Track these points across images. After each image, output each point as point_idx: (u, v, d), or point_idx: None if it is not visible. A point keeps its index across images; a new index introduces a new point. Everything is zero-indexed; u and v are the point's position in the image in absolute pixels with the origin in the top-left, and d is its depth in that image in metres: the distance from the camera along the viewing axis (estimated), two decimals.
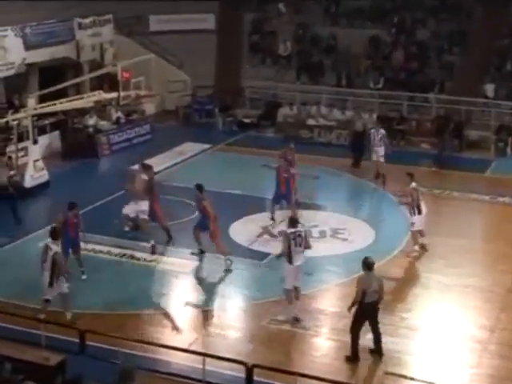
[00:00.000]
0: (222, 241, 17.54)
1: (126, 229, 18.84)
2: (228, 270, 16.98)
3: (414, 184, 17.90)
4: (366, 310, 13.26)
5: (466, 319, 14.96)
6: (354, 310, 13.36)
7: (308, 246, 14.92)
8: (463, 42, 30.82)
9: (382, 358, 13.37)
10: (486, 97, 28.66)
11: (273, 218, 19.80)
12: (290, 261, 14.56)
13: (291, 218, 15.23)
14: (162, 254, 17.88)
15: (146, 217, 18.31)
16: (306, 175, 19.58)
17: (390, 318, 14.77)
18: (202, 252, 17.61)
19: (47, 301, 14.35)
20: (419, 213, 17.80)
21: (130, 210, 18.75)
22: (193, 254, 17.64)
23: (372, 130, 23.77)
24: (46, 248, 14.32)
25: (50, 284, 14.19)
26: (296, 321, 14.61)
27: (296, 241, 14.59)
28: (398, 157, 24.52)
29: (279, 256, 15.04)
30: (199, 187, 17.26)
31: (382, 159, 23.18)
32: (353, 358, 13.31)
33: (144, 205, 18.30)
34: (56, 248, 14.27)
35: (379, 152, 23.10)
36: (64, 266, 14.41)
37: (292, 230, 14.73)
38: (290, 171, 19.64)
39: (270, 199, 20.02)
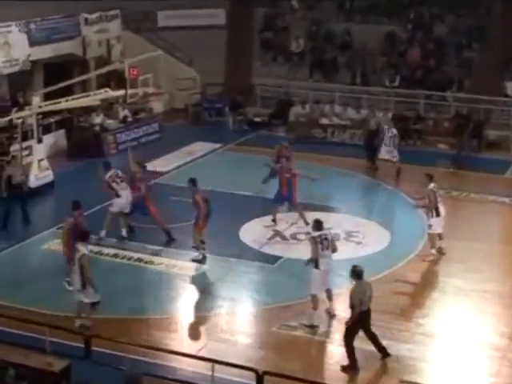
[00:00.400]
0: (232, 243, 17.55)
1: (123, 234, 18.82)
2: (195, 261, 17.40)
3: (432, 185, 17.86)
4: (363, 319, 13.21)
5: (485, 325, 14.89)
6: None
7: (335, 249, 14.88)
8: (482, 39, 30.72)
9: (392, 359, 13.35)
10: (506, 95, 28.59)
11: (274, 220, 19.79)
12: (317, 265, 14.51)
13: (316, 221, 15.00)
14: (165, 255, 17.90)
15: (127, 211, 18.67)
16: (305, 176, 19.50)
17: (405, 324, 14.77)
18: (202, 242, 17.66)
19: (93, 304, 14.24)
20: (437, 215, 17.75)
21: (116, 207, 18.81)
22: (193, 247, 17.80)
23: (385, 127, 23.97)
24: (75, 250, 14.26)
25: (83, 287, 14.08)
26: (312, 327, 14.58)
27: (323, 244, 14.56)
28: (415, 157, 24.54)
29: (309, 262, 14.73)
30: (192, 181, 17.61)
31: (395, 159, 23.36)
32: (354, 368, 13.20)
33: (125, 196, 18.57)
34: (84, 250, 14.20)
35: (390, 152, 23.33)
36: (89, 270, 14.17)
37: (318, 232, 14.69)
38: (293, 171, 19.57)
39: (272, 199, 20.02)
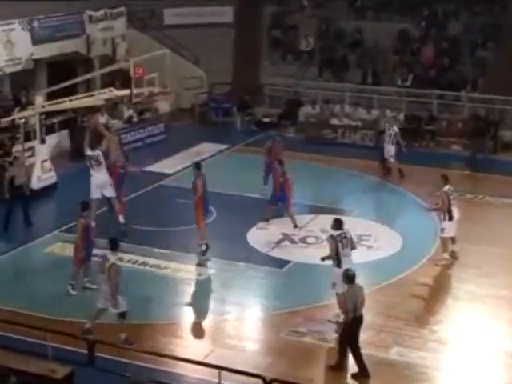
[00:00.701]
0: (239, 246, 17.53)
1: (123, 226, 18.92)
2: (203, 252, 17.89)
3: (447, 187, 17.79)
4: (357, 324, 13.15)
5: (500, 332, 14.83)
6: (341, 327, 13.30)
7: (354, 247, 15.10)
8: (497, 37, 30.66)
9: (404, 367, 13.30)
10: None
11: (267, 220, 19.90)
12: (339, 264, 14.65)
13: (336, 220, 15.23)
14: (171, 259, 17.91)
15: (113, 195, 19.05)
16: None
17: (418, 330, 14.72)
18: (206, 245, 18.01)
19: (122, 314, 14.15)
20: (450, 218, 17.69)
21: (96, 192, 19.06)
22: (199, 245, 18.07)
23: (386, 125, 23.95)
24: (104, 259, 14.17)
25: (113, 297, 13.99)
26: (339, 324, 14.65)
27: (343, 243, 14.75)
28: (427, 158, 24.48)
29: (325, 259, 15.00)
30: (197, 165, 18.49)
31: (392, 159, 23.35)
32: (364, 375, 13.11)
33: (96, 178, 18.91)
34: (113, 259, 14.10)
35: (389, 151, 23.31)
36: (117, 278, 14.06)
37: (338, 232, 14.87)
38: (286, 176, 19.65)
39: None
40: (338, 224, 15.04)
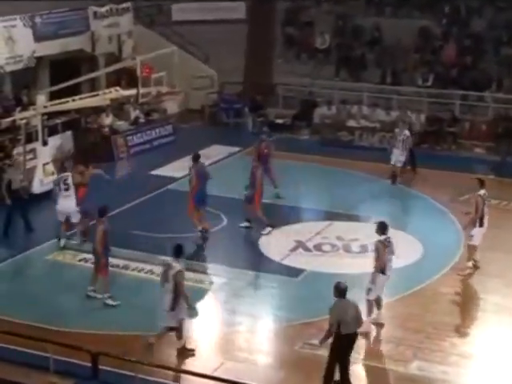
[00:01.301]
0: (251, 254, 17.48)
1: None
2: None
3: (482, 191, 17.63)
4: (343, 343, 12.77)
5: None
6: (329, 343, 12.99)
7: (394, 252, 15.21)
8: None
9: (425, 382, 13.22)
10: None
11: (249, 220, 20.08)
12: (384, 271, 14.74)
13: (382, 223, 15.27)
14: None
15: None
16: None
17: (439, 343, 14.65)
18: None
19: (172, 329, 14.15)
20: (480, 225, 17.55)
21: (61, 217, 18.90)
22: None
23: (396, 130, 23.82)
24: (168, 267, 14.12)
25: (172, 309, 13.96)
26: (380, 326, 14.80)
27: (389, 248, 14.88)
28: (449, 162, 24.39)
29: (377, 270, 14.93)
30: (194, 157, 19.58)
31: (399, 164, 23.17)
32: None
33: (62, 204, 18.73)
34: (178, 266, 14.04)
35: (398, 156, 23.12)
36: (183, 286, 14.10)
37: (384, 236, 14.97)
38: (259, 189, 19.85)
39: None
40: (383, 228, 15.11)
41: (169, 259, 14.28)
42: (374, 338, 14.93)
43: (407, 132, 23.60)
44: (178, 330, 14.16)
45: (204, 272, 17.79)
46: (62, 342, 13.57)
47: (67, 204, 18.75)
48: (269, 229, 19.73)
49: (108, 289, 16.08)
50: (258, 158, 21.54)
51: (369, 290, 14.91)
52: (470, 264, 17.68)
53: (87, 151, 25.70)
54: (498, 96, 28.53)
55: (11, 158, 22.08)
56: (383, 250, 14.77)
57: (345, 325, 12.67)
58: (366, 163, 25.31)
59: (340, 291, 12.91)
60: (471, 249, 17.74)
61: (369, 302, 14.93)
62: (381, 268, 14.79)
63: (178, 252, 14.21)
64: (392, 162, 23.53)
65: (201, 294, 16.96)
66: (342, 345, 12.78)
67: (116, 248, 17.99)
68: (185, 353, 14.11)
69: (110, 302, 15.93)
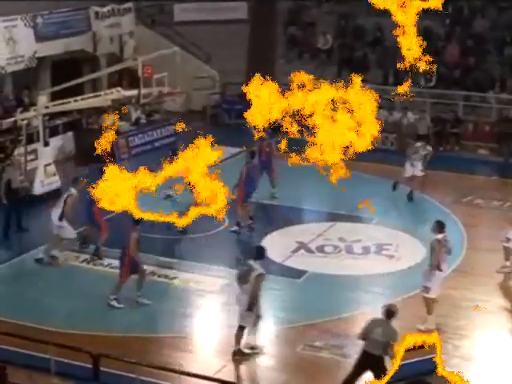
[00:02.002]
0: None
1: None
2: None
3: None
4: (363, 360, 12.70)
5: None
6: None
7: (450, 252, 15.46)
8: None
9: None
10: None
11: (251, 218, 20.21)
12: (441, 268, 14.99)
13: (439, 222, 15.46)
14: (180, 268, 17.92)
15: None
16: None
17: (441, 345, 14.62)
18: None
19: (242, 328, 14.26)
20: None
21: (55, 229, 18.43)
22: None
23: (417, 144, 22.92)
24: (249, 268, 14.18)
25: (249, 309, 14.05)
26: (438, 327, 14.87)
27: (446, 247, 15.07)
28: (452, 163, 24.36)
29: (436, 267, 15.12)
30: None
31: (419, 173, 22.58)
32: None
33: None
34: (260, 269, 14.11)
35: (418, 170, 22.36)
36: (261, 289, 14.21)
37: (442, 234, 15.11)
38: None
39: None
40: (441, 226, 15.26)
41: (250, 261, 14.32)
42: None
43: (429, 148, 22.70)
44: (240, 332, 14.26)
45: (205, 274, 17.80)
46: (63, 344, 13.62)
47: (53, 218, 18.31)
48: (236, 228, 19.86)
49: (118, 291, 16.10)
50: (259, 157, 21.66)
51: (427, 289, 15.11)
52: (508, 263, 17.63)
53: (88, 152, 25.67)
54: (501, 97, 28.51)
55: (11, 158, 22.13)
56: (439, 249, 14.97)
57: (367, 341, 12.68)
58: (367, 164, 25.21)
59: (385, 311, 12.89)
60: (508, 250, 17.60)
61: (430, 299, 15.10)
62: (437, 266, 14.97)
63: (259, 254, 14.34)
64: (409, 174, 22.44)
65: (202, 295, 16.99)
66: (361, 359, 12.73)
67: (118, 250, 18.09)
68: (239, 355, 14.19)
69: (115, 303, 15.97)
